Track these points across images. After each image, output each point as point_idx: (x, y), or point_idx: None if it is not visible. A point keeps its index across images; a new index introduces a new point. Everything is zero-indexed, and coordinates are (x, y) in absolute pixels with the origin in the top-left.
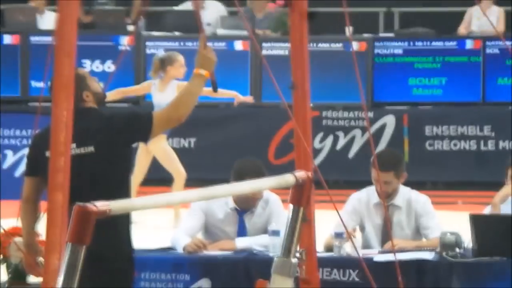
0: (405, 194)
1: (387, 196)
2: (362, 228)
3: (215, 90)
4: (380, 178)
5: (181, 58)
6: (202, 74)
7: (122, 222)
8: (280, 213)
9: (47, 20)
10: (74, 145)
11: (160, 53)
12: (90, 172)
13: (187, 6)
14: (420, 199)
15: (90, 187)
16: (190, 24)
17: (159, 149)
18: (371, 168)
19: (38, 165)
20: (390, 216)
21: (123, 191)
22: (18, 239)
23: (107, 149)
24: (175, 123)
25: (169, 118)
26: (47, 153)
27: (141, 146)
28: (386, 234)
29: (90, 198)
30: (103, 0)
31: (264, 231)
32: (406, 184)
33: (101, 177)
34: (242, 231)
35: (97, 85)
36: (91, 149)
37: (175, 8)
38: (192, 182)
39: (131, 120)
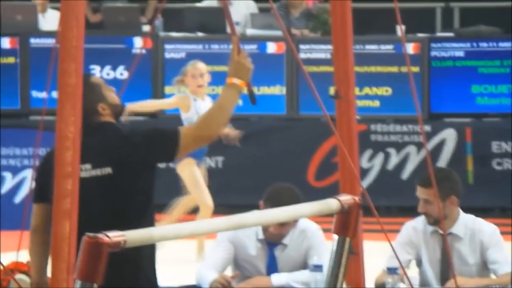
0: (467, 223)
1: (433, 222)
2: (419, 262)
3: (253, 102)
4: (421, 195)
5: (190, 68)
6: (236, 84)
7: (144, 254)
8: (321, 245)
9: (50, 20)
10: (89, 166)
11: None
12: (107, 197)
13: (211, 2)
14: (486, 229)
15: (107, 215)
16: (215, 24)
17: (186, 172)
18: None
19: (47, 190)
20: (447, 247)
21: (145, 220)
22: (19, 276)
23: (127, 171)
24: (206, 142)
25: (199, 136)
26: None
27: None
28: (446, 269)
29: (107, 228)
30: None
31: (300, 266)
32: (470, 210)
33: (120, 203)
34: (272, 267)
35: (114, 96)
36: (108, 170)
37: (198, 4)
38: (219, 208)
39: (154, 137)
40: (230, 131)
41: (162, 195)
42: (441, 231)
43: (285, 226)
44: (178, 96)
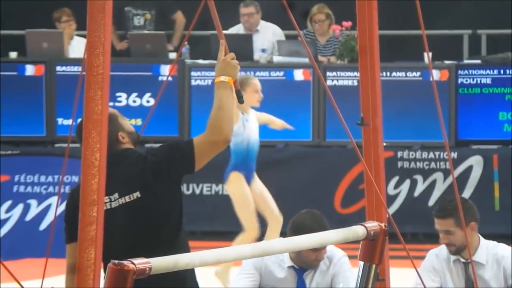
0: (489, 249)
1: (455, 251)
2: None
3: (240, 101)
4: (439, 227)
5: (255, 82)
6: (224, 81)
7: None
8: (346, 272)
9: (76, 47)
10: (116, 195)
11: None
12: (138, 222)
13: (238, 29)
14: (509, 254)
15: (140, 241)
16: (242, 51)
17: (233, 190)
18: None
19: (77, 228)
20: (470, 275)
21: (178, 242)
22: None
23: (154, 192)
24: (223, 145)
25: (213, 141)
26: None
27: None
28: None
29: (141, 254)
30: (140, 23)
31: None
32: (496, 237)
33: (152, 227)
34: None
35: (130, 125)
36: (136, 194)
37: (224, 32)
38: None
39: (170, 151)
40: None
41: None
42: (463, 260)
43: (319, 251)
44: None
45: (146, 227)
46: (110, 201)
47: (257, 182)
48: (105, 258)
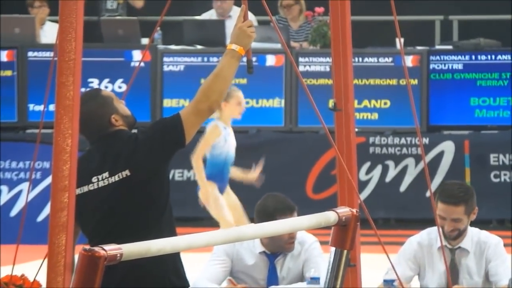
0: (473, 235)
1: (457, 237)
2: (422, 278)
3: (250, 71)
4: (449, 215)
5: (239, 94)
6: (235, 50)
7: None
8: (318, 258)
9: (48, 32)
10: (106, 174)
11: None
12: (127, 200)
13: (210, 15)
14: (491, 241)
15: (128, 219)
16: (214, 36)
17: (206, 197)
18: (436, 203)
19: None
20: (457, 262)
21: (164, 221)
22: None
23: (144, 170)
24: (207, 114)
25: (199, 109)
26: (77, 191)
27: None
28: (452, 283)
29: (129, 232)
30: (112, 6)
31: (299, 278)
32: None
33: (140, 205)
34: (272, 278)
35: (125, 108)
36: (126, 173)
37: (197, 17)
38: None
39: (161, 130)
40: (249, 175)
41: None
42: (450, 246)
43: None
44: (209, 129)
45: (134, 205)
46: (98, 180)
47: (230, 193)
48: (92, 237)
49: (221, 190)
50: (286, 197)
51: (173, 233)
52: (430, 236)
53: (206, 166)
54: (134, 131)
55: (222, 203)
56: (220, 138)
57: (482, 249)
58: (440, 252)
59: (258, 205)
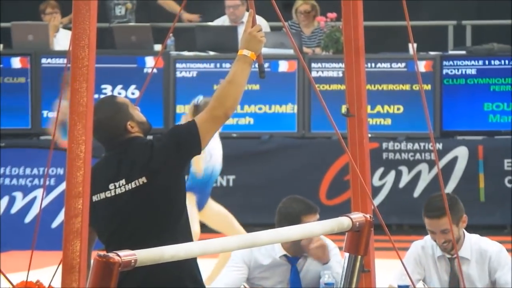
0: (473, 244)
1: (452, 248)
2: (428, 282)
3: (262, 75)
4: (435, 228)
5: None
6: (246, 55)
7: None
8: (336, 263)
9: (61, 39)
10: (123, 181)
11: (200, 98)
12: (144, 207)
13: (222, 21)
14: (493, 249)
15: (145, 226)
16: (227, 42)
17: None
18: (423, 218)
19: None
20: (456, 271)
21: (180, 227)
22: None
23: (161, 177)
24: (223, 120)
25: (214, 116)
26: (94, 198)
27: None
28: None
29: (146, 239)
30: (121, 12)
31: (316, 281)
32: (481, 228)
33: (157, 212)
34: (295, 281)
35: (141, 114)
36: (143, 180)
37: (209, 24)
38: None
39: (177, 137)
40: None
41: None
42: (448, 255)
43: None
44: None
45: (150, 212)
46: (115, 187)
47: (212, 204)
48: (109, 244)
49: (201, 203)
50: (304, 198)
51: (189, 239)
52: (432, 242)
53: (189, 178)
54: (150, 137)
55: (193, 215)
56: (205, 153)
57: (483, 257)
58: (440, 261)
59: (281, 207)
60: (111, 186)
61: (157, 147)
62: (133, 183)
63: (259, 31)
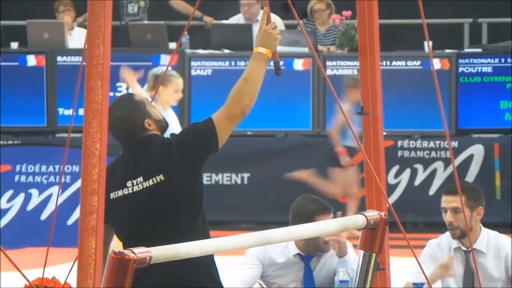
0: (490, 238)
1: (459, 235)
2: (443, 279)
3: (278, 73)
4: (447, 204)
5: (178, 81)
6: (262, 53)
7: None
8: (352, 262)
9: (77, 37)
10: (141, 179)
11: (159, 68)
12: (161, 204)
13: (237, 19)
14: (510, 246)
15: (163, 223)
16: (241, 40)
17: None
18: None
19: (106, 210)
20: (471, 264)
21: (198, 225)
22: None
23: (179, 173)
24: (240, 118)
25: (231, 114)
26: (112, 195)
27: None
28: (469, 286)
29: (163, 236)
30: (134, 10)
31: (330, 279)
32: (497, 225)
33: (174, 210)
34: (309, 280)
35: (158, 113)
36: (160, 177)
37: (224, 21)
38: (245, 224)
39: (194, 135)
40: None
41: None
42: (464, 248)
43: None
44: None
45: (168, 210)
46: (132, 185)
47: None
48: (126, 241)
49: None
50: (318, 197)
51: (206, 237)
52: (448, 239)
53: None
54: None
55: None
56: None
57: (500, 253)
58: (456, 253)
59: (295, 206)
60: (129, 183)
61: (174, 145)
62: (150, 180)
63: (274, 28)
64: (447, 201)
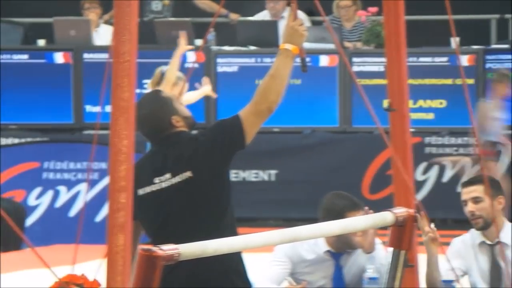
0: None
1: (482, 226)
2: (470, 275)
3: (304, 69)
4: (467, 195)
5: (184, 87)
6: (288, 49)
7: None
8: (380, 256)
9: (103, 34)
10: (168, 175)
11: (164, 68)
12: (189, 201)
13: (263, 16)
14: None
15: (191, 220)
16: (268, 37)
17: None
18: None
19: (134, 207)
20: (497, 257)
21: (226, 222)
22: None
23: (206, 171)
24: (267, 114)
25: (258, 110)
26: (140, 191)
27: None
28: (495, 280)
29: (192, 233)
30: (157, 8)
31: (359, 276)
32: None
33: (202, 206)
34: (338, 277)
35: (186, 110)
36: (188, 174)
37: (250, 18)
38: (273, 221)
39: (221, 131)
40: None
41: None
42: (488, 242)
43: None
44: None
45: (196, 206)
46: (160, 181)
47: None
48: (154, 238)
49: None
50: (348, 194)
51: (234, 234)
52: (472, 235)
53: None
54: (194, 132)
55: None
56: None
57: None
58: (481, 248)
59: (325, 203)
60: (156, 180)
61: (202, 141)
62: (178, 177)
63: (301, 25)
64: (466, 193)
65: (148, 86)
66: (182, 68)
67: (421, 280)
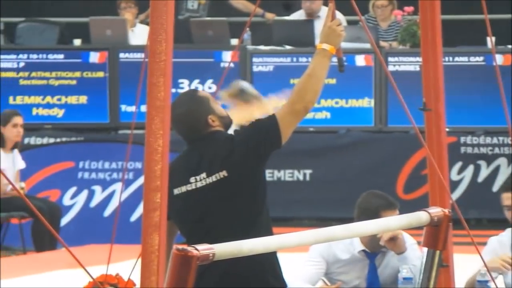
0: None
1: None
2: (505, 275)
3: (341, 69)
4: (508, 201)
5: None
6: (326, 49)
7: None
8: (416, 259)
9: (139, 34)
10: (204, 175)
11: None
12: (225, 200)
13: (299, 15)
14: None
15: (227, 219)
16: (303, 37)
17: None
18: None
19: (169, 206)
20: None
21: (261, 221)
22: None
23: (242, 170)
24: (303, 114)
25: (294, 110)
26: (175, 191)
27: None
28: None
29: (228, 232)
30: (193, 6)
31: (394, 276)
32: None
33: (238, 205)
34: (373, 277)
35: (222, 108)
36: (223, 173)
37: (286, 18)
38: (308, 221)
39: (257, 131)
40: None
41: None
42: None
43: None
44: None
45: (231, 206)
46: (196, 181)
47: None
48: (189, 237)
49: None
50: (384, 193)
51: (269, 234)
52: (509, 235)
53: None
54: (230, 132)
55: None
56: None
57: None
58: None
59: (360, 202)
60: (192, 179)
61: (238, 141)
62: (213, 176)
63: (338, 25)
64: (506, 199)
65: (223, 97)
66: (218, 68)
67: (456, 280)
